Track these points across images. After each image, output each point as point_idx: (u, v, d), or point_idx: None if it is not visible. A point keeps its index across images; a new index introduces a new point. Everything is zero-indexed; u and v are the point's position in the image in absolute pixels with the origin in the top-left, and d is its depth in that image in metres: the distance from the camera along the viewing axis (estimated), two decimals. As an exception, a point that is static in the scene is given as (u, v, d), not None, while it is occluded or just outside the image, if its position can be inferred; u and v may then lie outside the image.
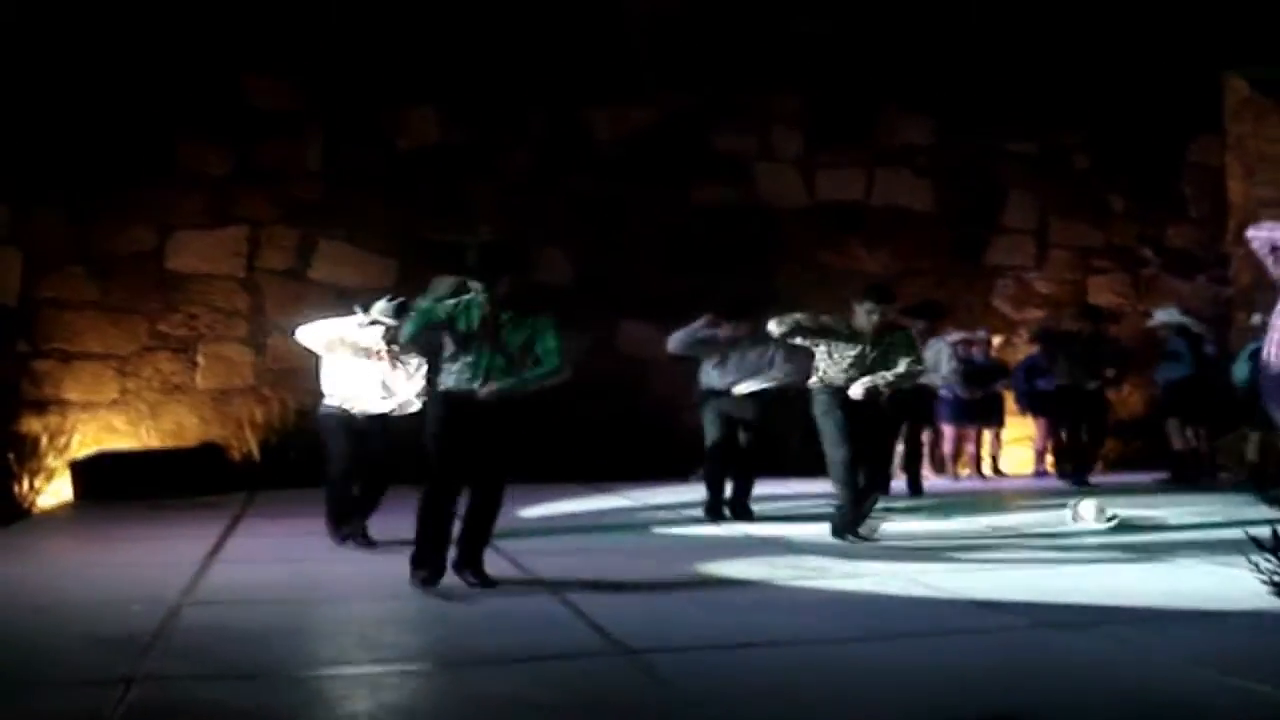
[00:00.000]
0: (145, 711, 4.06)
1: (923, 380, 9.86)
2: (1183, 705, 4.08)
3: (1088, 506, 8.66)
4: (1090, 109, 14.15)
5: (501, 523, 8.62)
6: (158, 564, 7.12)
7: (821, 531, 7.93)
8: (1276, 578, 5.57)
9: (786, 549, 7.58)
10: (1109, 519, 8.47)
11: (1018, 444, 13.33)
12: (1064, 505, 8.97)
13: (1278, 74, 14.06)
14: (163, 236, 11.96)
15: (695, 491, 9.51)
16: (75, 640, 5.11)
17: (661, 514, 9.50)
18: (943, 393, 12.14)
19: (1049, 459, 12.80)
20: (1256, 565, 5.64)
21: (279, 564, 7.22)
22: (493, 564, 7.01)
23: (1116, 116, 14.19)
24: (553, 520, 9.30)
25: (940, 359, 11.72)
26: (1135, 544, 7.70)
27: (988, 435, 12.87)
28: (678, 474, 11.20)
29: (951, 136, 13.82)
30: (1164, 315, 12.19)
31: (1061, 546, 7.72)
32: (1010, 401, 12.94)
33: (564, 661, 4.76)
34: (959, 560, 7.14)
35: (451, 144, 12.60)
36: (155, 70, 11.78)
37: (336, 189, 12.31)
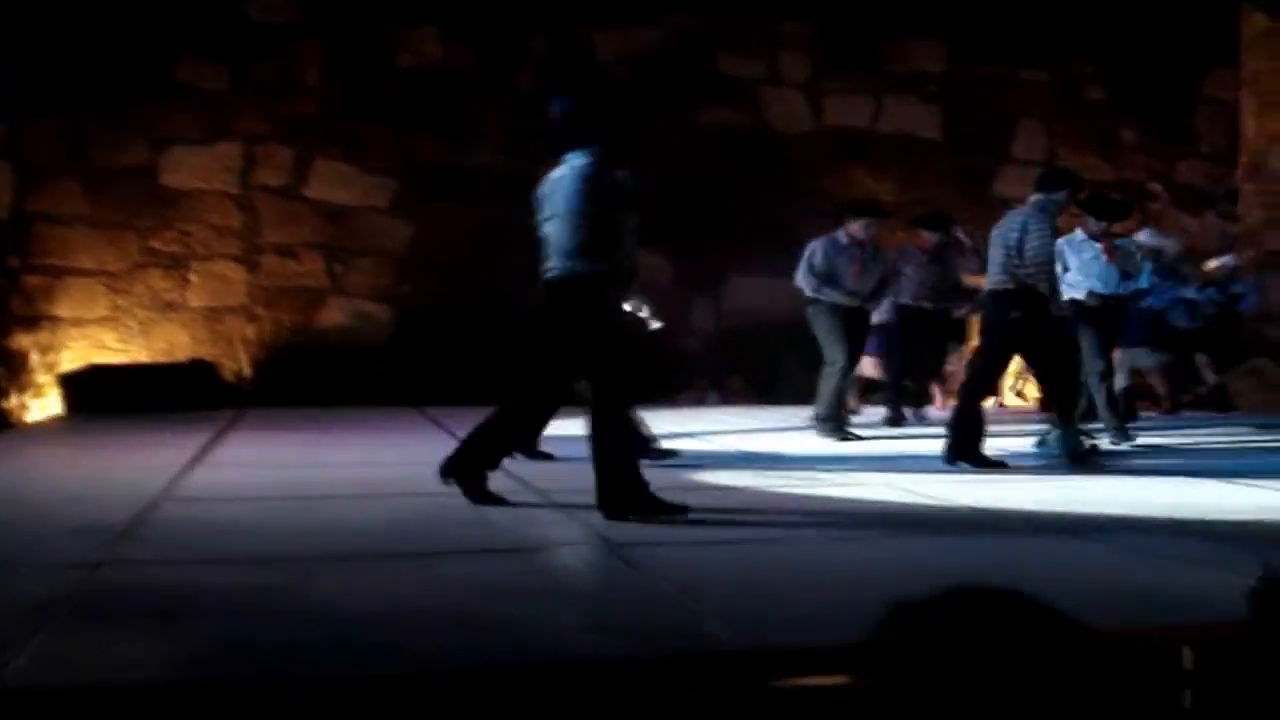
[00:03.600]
0: (112, 591, 3.95)
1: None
2: (1169, 596, 3.94)
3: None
4: (1105, 39, 13.88)
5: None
6: (140, 467, 6.99)
7: (814, 446, 7.80)
8: None
9: (778, 461, 7.45)
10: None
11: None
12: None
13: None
14: (157, 152, 11.75)
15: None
16: (48, 529, 5.00)
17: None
18: None
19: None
20: None
21: (266, 469, 7.09)
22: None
23: (1131, 47, 13.91)
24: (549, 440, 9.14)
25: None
26: (1142, 466, 7.58)
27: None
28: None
29: (962, 63, 13.56)
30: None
31: (1065, 465, 7.54)
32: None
33: (543, 552, 4.66)
34: (960, 475, 6.98)
35: (453, 64, 12.36)
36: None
37: (334, 107, 12.07)
